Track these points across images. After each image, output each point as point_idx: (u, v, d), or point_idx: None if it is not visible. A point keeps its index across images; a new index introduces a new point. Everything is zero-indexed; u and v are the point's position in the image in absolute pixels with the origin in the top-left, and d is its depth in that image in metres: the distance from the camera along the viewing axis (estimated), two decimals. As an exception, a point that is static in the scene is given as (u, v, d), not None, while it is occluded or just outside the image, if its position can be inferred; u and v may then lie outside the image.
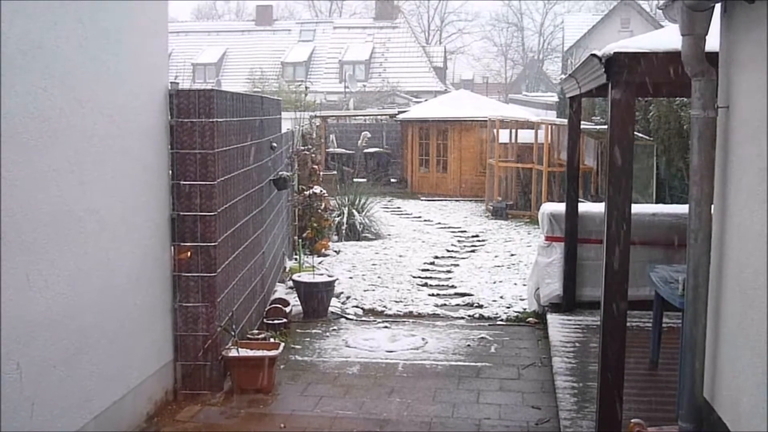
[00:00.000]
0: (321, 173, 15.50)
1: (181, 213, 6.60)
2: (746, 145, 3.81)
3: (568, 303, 8.90)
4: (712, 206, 4.27)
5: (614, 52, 5.11)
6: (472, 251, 14.52)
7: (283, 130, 11.67)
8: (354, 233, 15.45)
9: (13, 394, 4.32)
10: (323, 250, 13.53)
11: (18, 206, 4.35)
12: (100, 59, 5.36)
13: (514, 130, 19.87)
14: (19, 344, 4.37)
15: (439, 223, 18.13)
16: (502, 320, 9.51)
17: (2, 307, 4.20)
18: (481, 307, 10.12)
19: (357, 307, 10.03)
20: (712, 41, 4.27)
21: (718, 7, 4.18)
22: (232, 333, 6.96)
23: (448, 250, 14.58)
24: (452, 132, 23.17)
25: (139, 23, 6.12)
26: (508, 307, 9.99)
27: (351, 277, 11.72)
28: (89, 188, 5.20)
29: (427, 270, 12.72)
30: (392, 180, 25.01)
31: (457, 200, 22.37)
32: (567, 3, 67.84)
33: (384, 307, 10.05)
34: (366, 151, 24.70)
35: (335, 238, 14.89)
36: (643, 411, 5.79)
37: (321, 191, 14.02)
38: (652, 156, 13.24)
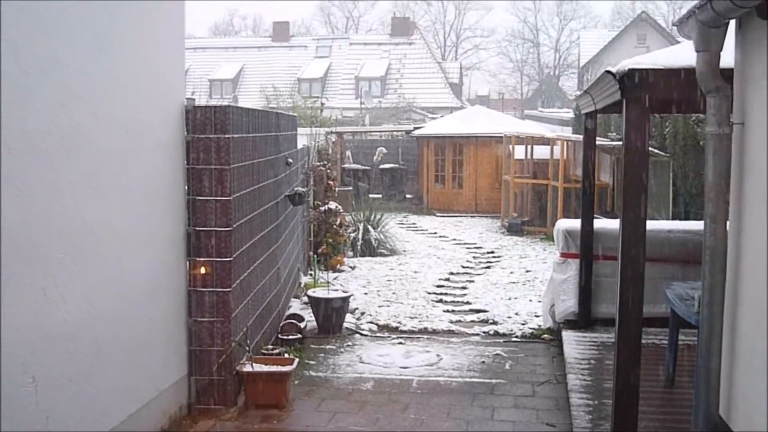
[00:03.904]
0: (336, 189, 15.53)
1: (197, 228, 6.62)
2: (761, 162, 3.80)
3: (584, 320, 8.85)
4: (728, 223, 4.26)
5: (628, 69, 5.11)
6: (488, 267, 14.49)
7: (299, 146, 11.71)
8: (369, 249, 15.45)
9: (28, 406, 4.33)
10: (338, 265, 13.53)
11: (35, 220, 4.39)
12: (117, 75, 5.40)
13: (529, 146, 19.86)
14: (35, 357, 4.39)
15: (455, 239, 18.11)
16: (517, 337, 9.48)
17: (19, 320, 4.22)
18: (496, 323, 10.08)
19: (372, 322, 10.02)
20: (727, 57, 4.27)
21: (732, 23, 4.17)
22: (247, 348, 6.97)
23: (464, 267, 14.55)
24: (468, 148, 23.17)
25: (156, 39, 6.17)
26: (523, 324, 9.96)
27: (366, 293, 11.72)
28: (105, 202, 5.23)
29: (442, 286, 12.70)
30: (408, 196, 25.02)
31: (472, 216, 22.34)
32: (583, 19, 67.97)
33: (399, 323, 10.03)
34: (381, 167, 24.75)
35: (350, 253, 14.89)
36: (659, 429, 5.77)
37: (336, 207, 14.04)
38: (667, 172, 13.18)
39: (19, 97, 4.24)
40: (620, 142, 5.73)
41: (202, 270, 6.64)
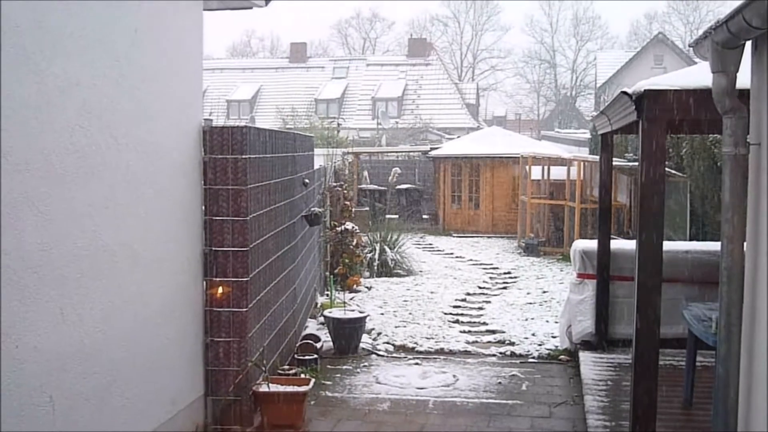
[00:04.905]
0: (353, 209, 15.55)
1: (213, 248, 6.65)
2: (778, 182, 3.79)
3: (601, 341, 8.82)
4: (745, 244, 4.24)
5: (644, 90, 5.12)
6: (504, 288, 14.46)
7: (316, 167, 11.75)
8: (386, 269, 15.45)
9: (45, 426, 4.35)
10: (355, 286, 13.54)
11: (53, 241, 4.42)
12: (135, 97, 5.45)
13: (546, 167, 19.84)
14: (52, 377, 4.41)
15: (471, 260, 18.08)
16: (533, 358, 9.44)
17: (36, 340, 4.25)
18: (512, 344, 10.05)
19: (388, 343, 10.01)
20: (744, 78, 4.27)
21: (748, 44, 4.17)
22: (263, 368, 6.98)
23: (480, 287, 14.52)
24: (484, 168, 23.18)
25: (174, 61, 6.22)
26: (540, 345, 9.92)
27: (382, 314, 11.71)
28: (123, 223, 5.26)
29: (459, 307, 12.68)
30: (424, 216, 25.01)
31: (489, 237, 22.31)
32: (600, 40, 67.97)
33: (415, 343, 10.02)
34: (398, 187, 24.77)
35: (367, 274, 14.90)
36: (677, 451, 5.72)
37: (353, 227, 14.06)
38: (685, 192, 13.14)
39: (39, 119, 4.29)
40: (637, 163, 5.73)
41: (219, 290, 6.66)
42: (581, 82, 66.38)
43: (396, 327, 10.89)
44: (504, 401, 7.81)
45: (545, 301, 12.91)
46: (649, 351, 5.38)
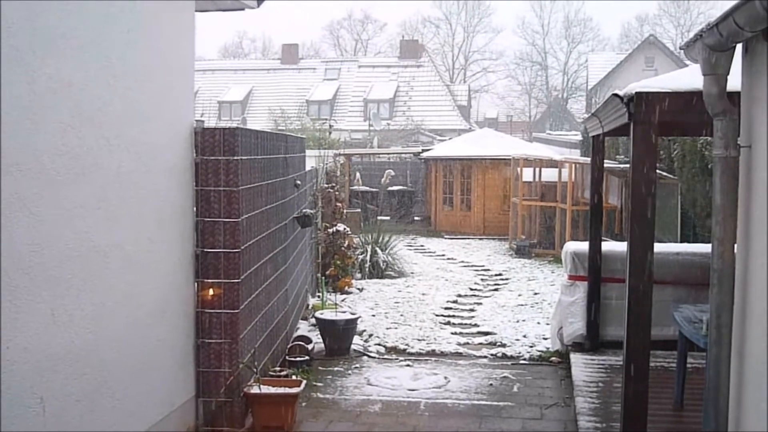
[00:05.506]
0: (345, 211, 15.54)
1: (205, 249, 6.64)
2: (768, 185, 3.80)
3: (592, 342, 8.83)
4: (736, 245, 4.25)
5: (635, 92, 5.14)
6: (495, 290, 14.46)
7: (308, 168, 11.75)
8: (377, 271, 15.44)
9: (36, 427, 4.34)
10: (346, 287, 13.54)
11: (44, 242, 4.41)
12: (127, 98, 5.45)
13: (537, 169, 19.88)
14: (42, 378, 4.40)
15: (463, 262, 18.08)
16: (524, 359, 9.45)
17: (27, 341, 4.24)
18: (503, 346, 10.06)
19: (379, 345, 10.00)
20: (734, 80, 4.28)
21: (739, 47, 4.19)
22: (255, 370, 6.97)
23: (471, 289, 14.53)
24: (476, 170, 23.19)
25: (166, 62, 6.21)
26: (531, 346, 9.93)
27: (374, 315, 11.71)
28: (115, 224, 5.25)
29: (450, 308, 12.68)
30: (416, 218, 25.03)
31: (480, 239, 22.32)
32: (591, 42, 68.14)
33: (406, 345, 10.02)
34: (390, 189, 24.77)
35: (358, 275, 14.89)
36: (668, 452, 5.73)
37: (344, 229, 14.06)
38: (676, 194, 13.18)
39: (31, 119, 4.28)
40: (628, 165, 5.75)
41: (211, 291, 6.65)
42: (572, 84, 66.53)
43: (387, 328, 10.89)
44: (495, 403, 7.81)
45: (536, 303, 12.92)
46: (640, 353, 5.39)
